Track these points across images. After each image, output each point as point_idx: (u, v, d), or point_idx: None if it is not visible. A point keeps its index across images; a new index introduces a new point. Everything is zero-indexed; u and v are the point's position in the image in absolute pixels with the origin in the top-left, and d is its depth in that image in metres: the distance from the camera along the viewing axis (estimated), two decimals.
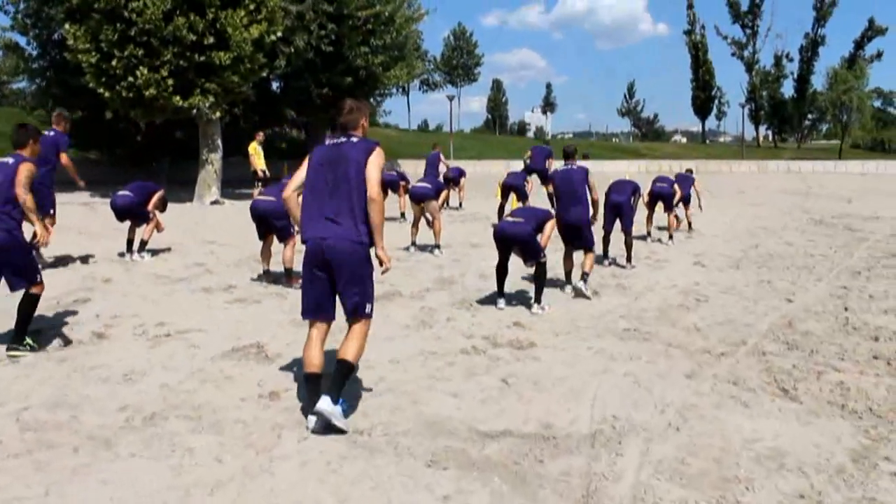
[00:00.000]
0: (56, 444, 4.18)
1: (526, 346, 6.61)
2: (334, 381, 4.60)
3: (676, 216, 14.39)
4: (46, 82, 25.50)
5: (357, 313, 4.81)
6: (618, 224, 11.20)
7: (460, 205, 19.74)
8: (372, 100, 34.69)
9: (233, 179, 23.89)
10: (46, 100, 26.25)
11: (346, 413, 4.66)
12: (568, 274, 9.38)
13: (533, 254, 8.08)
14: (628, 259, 11.07)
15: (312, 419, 4.43)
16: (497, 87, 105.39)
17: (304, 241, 4.74)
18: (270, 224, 8.99)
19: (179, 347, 6.26)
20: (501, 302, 8.17)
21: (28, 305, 6.03)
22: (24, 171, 6.06)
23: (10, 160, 6.15)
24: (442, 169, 19.58)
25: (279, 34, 21.18)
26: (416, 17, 32.19)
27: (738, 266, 11.47)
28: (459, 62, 78.33)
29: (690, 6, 74.74)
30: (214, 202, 20.13)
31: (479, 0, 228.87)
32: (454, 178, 19.59)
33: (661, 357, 6.40)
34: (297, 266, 9.16)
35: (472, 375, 5.72)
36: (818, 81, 74.19)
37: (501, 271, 8.28)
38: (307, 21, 26.31)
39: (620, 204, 11.08)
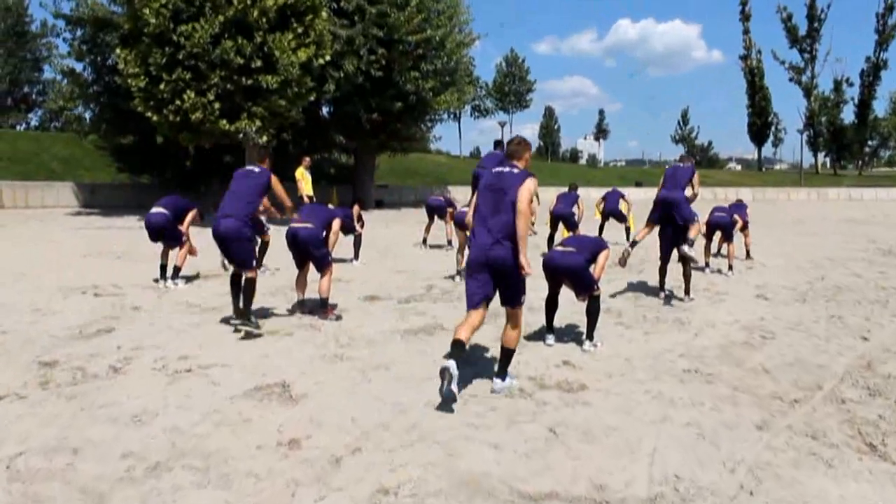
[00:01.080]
0: (42, 499, 3.74)
1: (576, 388, 6.02)
2: (500, 364, 6.09)
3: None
4: (100, 108, 25.75)
5: (512, 303, 5.98)
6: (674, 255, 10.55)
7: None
8: (422, 125, 34.46)
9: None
10: (100, 125, 26.53)
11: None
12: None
13: (585, 287, 7.50)
14: (686, 291, 10.39)
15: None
16: (549, 113, 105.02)
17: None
18: (308, 252, 8.56)
19: (199, 384, 5.81)
20: (550, 338, 7.61)
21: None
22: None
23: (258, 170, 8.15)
24: None
25: (328, 58, 21.02)
26: (467, 42, 31.95)
27: (804, 300, 10.71)
28: (511, 88, 77.98)
29: (747, 31, 73.45)
30: None
31: (532, 28, 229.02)
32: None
33: (727, 403, 5.76)
34: (335, 297, 9.00)
35: (516, 423, 5.15)
36: (880, 106, 72.23)
37: (551, 305, 7.74)
38: (357, 45, 26.25)
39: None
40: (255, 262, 7.87)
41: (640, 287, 11.20)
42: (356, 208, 13.94)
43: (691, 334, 8.23)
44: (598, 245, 7.85)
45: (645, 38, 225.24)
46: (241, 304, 7.65)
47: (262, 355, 6.74)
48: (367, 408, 5.35)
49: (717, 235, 13.95)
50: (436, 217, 16.00)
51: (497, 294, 5.98)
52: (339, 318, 8.32)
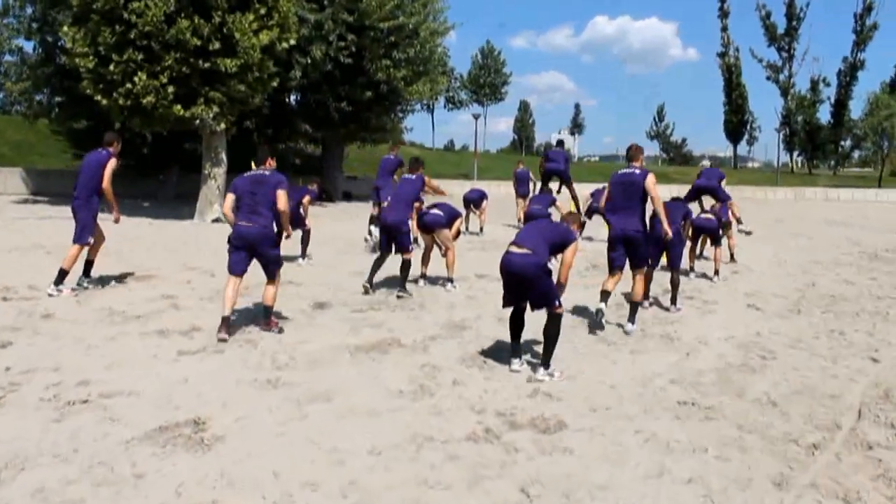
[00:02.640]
0: None
1: (553, 427, 5.01)
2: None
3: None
4: (51, 90, 24.31)
5: (641, 265, 8.28)
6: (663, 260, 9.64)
7: (481, 229, 18.11)
8: (393, 115, 33.28)
9: None
10: (51, 109, 25.09)
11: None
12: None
13: (543, 300, 6.27)
14: (673, 300, 9.44)
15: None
16: (524, 108, 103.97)
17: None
18: (259, 253, 7.37)
19: (91, 422, 4.70)
20: (516, 363, 6.42)
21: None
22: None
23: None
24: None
25: (292, 42, 19.80)
26: (441, 31, 30.76)
27: (798, 310, 9.83)
28: (486, 80, 76.86)
29: (725, 28, 72.97)
30: (216, 220, 18.65)
31: (509, 22, 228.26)
32: (475, 200, 18.00)
33: (734, 449, 4.78)
34: (279, 303, 7.75)
35: (480, 479, 4.13)
36: (857, 107, 72.13)
37: (516, 322, 6.54)
38: (325, 31, 25.04)
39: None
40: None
41: (621, 297, 10.24)
42: (314, 185, 12.97)
43: (682, 354, 7.26)
44: (563, 236, 6.50)
45: (622, 34, 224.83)
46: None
47: (181, 380, 5.64)
48: (297, 456, 4.31)
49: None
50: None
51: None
52: (281, 331, 7.21)
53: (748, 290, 11.25)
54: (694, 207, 11.65)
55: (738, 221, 13.43)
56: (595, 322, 8.23)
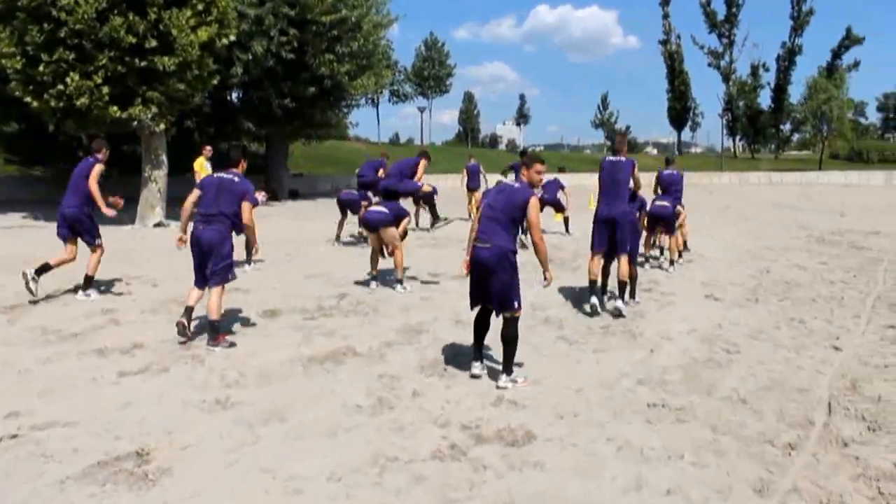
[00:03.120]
0: None
1: (521, 439, 4.76)
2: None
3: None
4: None
5: (625, 250, 8.86)
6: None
7: (432, 225, 17.81)
8: (338, 111, 32.75)
9: (184, 198, 21.75)
10: None
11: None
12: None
13: (504, 301, 5.90)
14: (632, 294, 9.27)
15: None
16: (469, 99, 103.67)
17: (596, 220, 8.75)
18: (209, 258, 6.92)
19: (22, 459, 4.29)
20: (477, 367, 6.08)
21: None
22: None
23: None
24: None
25: (232, 38, 19.20)
26: (384, 24, 30.30)
27: (756, 299, 9.79)
28: (431, 73, 76.39)
29: (666, 16, 73.65)
30: (158, 224, 18.05)
31: (451, 14, 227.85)
32: (426, 196, 17.65)
33: (710, 454, 4.61)
34: (228, 313, 6.99)
35: (450, 503, 3.87)
36: (795, 91, 73.39)
37: (481, 324, 6.19)
38: (266, 26, 24.48)
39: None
40: None
41: (577, 289, 10.06)
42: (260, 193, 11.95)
43: (646, 350, 7.08)
44: (517, 197, 5.98)
45: (563, 23, 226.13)
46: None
47: (124, 404, 5.24)
48: (250, 488, 3.98)
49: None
50: (349, 212, 14.59)
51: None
52: (232, 345, 6.80)
53: (704, 280, 11.19)
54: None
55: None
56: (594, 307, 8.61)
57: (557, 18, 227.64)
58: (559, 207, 16.97)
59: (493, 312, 6.06)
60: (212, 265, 6.85)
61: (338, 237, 14.69)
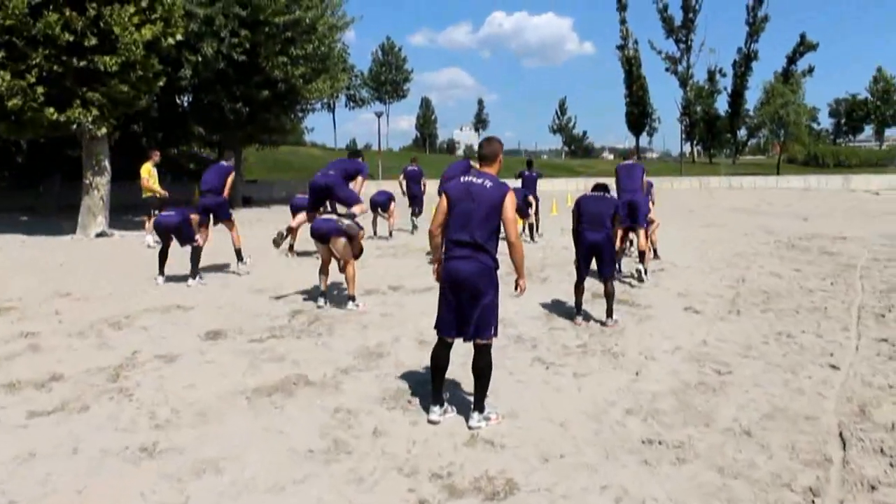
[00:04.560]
0: None
1: (503, 490, 4.03)
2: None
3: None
4: None
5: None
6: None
7: (390, 234, 17.08)
8: (293, 115, 31.85)
9: (130, 206, 20.68)
10: None
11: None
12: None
13: (483, 325, 4.98)
14: (609, 313, 8.54)
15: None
16: (426, 105, 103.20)
17: None
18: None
19: None
20: (436, 412, 5.08)
21: None
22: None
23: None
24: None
25: (179, 38, 18.24)
26: (340, 26, 29.48)
27: (737, 311, 9.21)
28: (388, 77, 75.71)
29: (623, 21, 73.75)
30: (100, 234, 17.00)
31: (407, 20, 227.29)
32: (383, 203, 16.95)
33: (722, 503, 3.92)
34: (165, 333, 6.23)
35: None
36: (752, 97, 73.99)
37: (442, 356, 5.20)
38: (217, 26, 23.54)
39: (599, 243, 8.56)
40: None
41: (548, 303, 9.40)
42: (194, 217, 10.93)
43: (631, 373, 6.41)
44: (495, 195, 4.99)
45: (519, 30, 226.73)
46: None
47: (26, 455, 4.39)
48: None
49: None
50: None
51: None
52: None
53: (680, 290, 10.60)
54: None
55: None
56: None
57: (513, 25, 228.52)
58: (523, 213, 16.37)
59: (456, 341, 5.15)
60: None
61: (291, 247, 13.84)
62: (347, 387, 5.82)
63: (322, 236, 8.80)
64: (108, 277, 10.74)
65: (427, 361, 6.37)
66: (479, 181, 5.00)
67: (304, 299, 9.31)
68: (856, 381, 6.29)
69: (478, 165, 5.32)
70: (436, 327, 5.15)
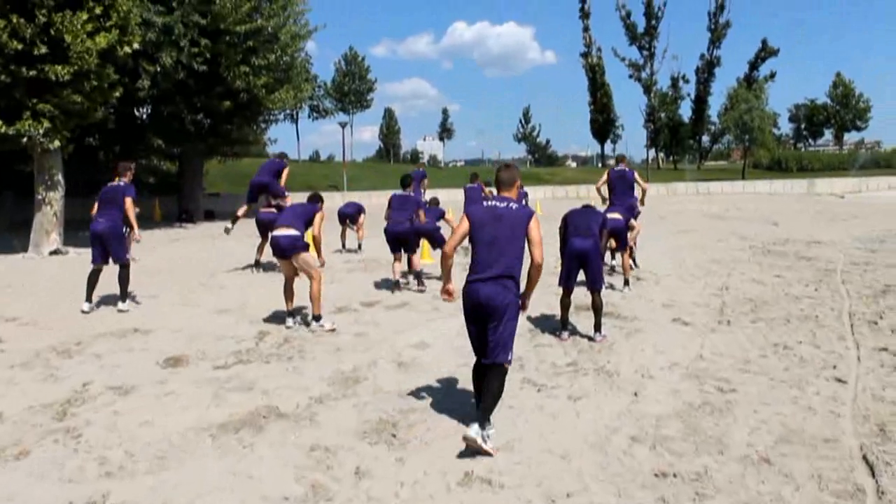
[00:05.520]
0: None
1: None
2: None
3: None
4: None
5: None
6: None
7: (359, 246, 16.48)
8: (255, 126, 31.10)
9: (87, 221, 19.84)
10: None
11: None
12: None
13: (502, 346, 4.89)
14: (597, 327, 8.07)
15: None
16: (389, 115, 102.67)
17: None
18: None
19: None
20: (474, 429, 4.59)
21: None
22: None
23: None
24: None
25: (136, 46, 17.50)
26: (303, 35, 28.85)
27: (727, 321, 8.84)
28: (351, 88, 75.05)
29: (587, 29, 73.84)
30: (54, 252, 16.16)
31: (369, 31, 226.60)
32: (351, 215, 16.36)
33: None
34: (119, 360, 5.77)
35: None
36: (715, 103, 74.31)
37: (482, 375, 5.07)
38: (176, 35, 22.76)
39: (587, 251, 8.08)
40: None
41: (530, 317, 8.93)
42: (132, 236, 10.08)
43: (629, 394, 5.95)
44: (524, 218, 5.04)
45: (481, 40, 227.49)
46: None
47: None
48: None
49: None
50: (269, 234, 13.17)
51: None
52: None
53: (664, 300, 10.21)
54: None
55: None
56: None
57: (475, 35, 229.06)
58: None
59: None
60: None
61: (257, 262, 13.23)
62: (323, 419, 5.26)
63: (283, 252, 8.17)
64: (61, 299, 10.05)
65: (408, 385, 5.92)
66: (503, 204, 5.09)
67: (272, 319, 8.71)
68: (866, 397, 5.92)
69: (495, 191, 5.38)
70: (473, 349, 5.19)
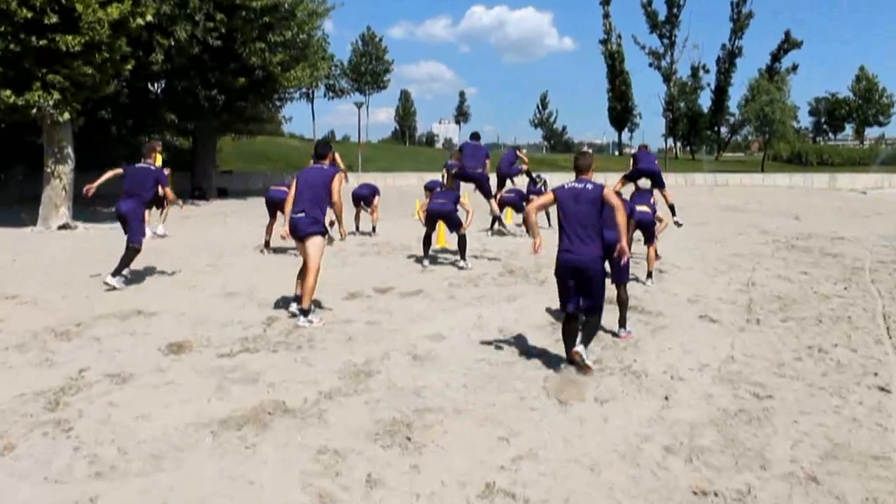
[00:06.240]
0: None
1: None
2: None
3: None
4: None
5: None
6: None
7: (374, 229, 16.10)
8: (270, 104, 30.74)
9: (97, 195, 19.51)
10: None
11: None
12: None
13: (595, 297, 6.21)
14: (622, 322, 7.68)
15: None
16: (405, 97, 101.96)
17: None
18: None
19: None
20: (581, 348, 6.11)
21: None
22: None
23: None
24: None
25: (149, 18, 17.12)
26: (320, 13, 28.37)
27: (756, 319, 8.45)
28: (368, 68, 74.45)
29: (607, 15, 72.84)
30: (63, 226, 15.88)
31: (386, 13, 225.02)
32: (366, 197, 15.96)
33: None
34: (121, 346, 5.60)
35: None
36: (736, 94, 73.18)
37: (573, 326, 6.32)
38: (191, 9, 22.34)
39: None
40: None
41: (551, 309, 8.54)
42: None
43: (660, 398, 5.56)
44: (599, 198, 6.13)
45: (499, 24, 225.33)
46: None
47: None
48: None
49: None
50: (279, 213, 12.81)
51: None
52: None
53: (689, 296, 9.80)
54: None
55: (673, 212, 12.05)
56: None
57: (493, 19, 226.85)
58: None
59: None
60: None
61: (267, 244, 12.85)
62: (332, 417, 4.89)
63: (301, 235, 7.67)
64: (65, 276, 9.74)
65: (423, 381, 5.61)
66: (581, 185, 6.22)
67: (281, 304, 8.35)
68: None
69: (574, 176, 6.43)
70: (561, 309, 6.48)
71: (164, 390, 5.33)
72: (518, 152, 18.19)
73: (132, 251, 9.41)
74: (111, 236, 14.51)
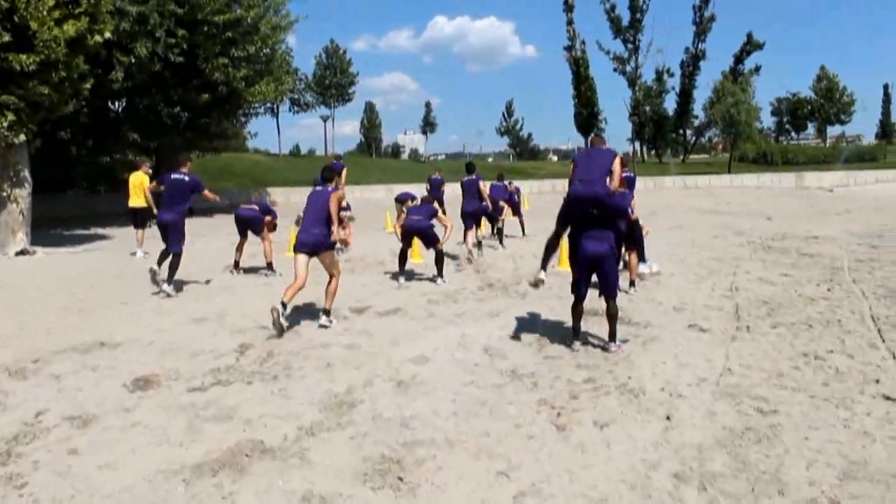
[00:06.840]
0: None
1: None
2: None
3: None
4: None
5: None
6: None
7: (346, 244, 15.68)
8: (235, 120, 30.18)
9: (56, 219, 18.97)
10: None
11: None
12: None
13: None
14: (612, 336, 7.36)
15: None
16: (370, 109, 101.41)
17: None
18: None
19: None
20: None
21: None
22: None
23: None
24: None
25: (108, 36, 16.57)
26: (284, 26, 27.98)
27: (746, 327, 8.22)
28: (332, 81, 73.89)
29: (570, 22, 72.87)
30: (21, 252, 15.25)
31: (349, 26, 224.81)
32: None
33: None
34: (79, 379, 5.27)
35: None
36: (700, 96, 73.48)
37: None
38: (151, 25, 21.85)
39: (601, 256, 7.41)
40: None
41: (535, 324, 8.25)
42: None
43: (661, 418, 5.25)
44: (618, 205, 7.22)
45: (461, 34, 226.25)
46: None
47: None
48: None
49: None
50: (249, 232, 12.37)
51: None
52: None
53: (675, 304, 9.55)
54: None
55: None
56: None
57: (455, 29, 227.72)
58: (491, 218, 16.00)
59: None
60: None
61: (236, 264, 12.40)
62: (316, 456, 4.51)
63: (310, 249, 8.16)
64: (22, 306, 9.24)
65: (410, 410, 5.24)
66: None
67: (256, 328, 7.94)
68: None
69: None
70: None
71: (130, 433, 4.89)
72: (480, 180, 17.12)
73: (175, 258, 10.33)
74: (72, 262, 14.01)
